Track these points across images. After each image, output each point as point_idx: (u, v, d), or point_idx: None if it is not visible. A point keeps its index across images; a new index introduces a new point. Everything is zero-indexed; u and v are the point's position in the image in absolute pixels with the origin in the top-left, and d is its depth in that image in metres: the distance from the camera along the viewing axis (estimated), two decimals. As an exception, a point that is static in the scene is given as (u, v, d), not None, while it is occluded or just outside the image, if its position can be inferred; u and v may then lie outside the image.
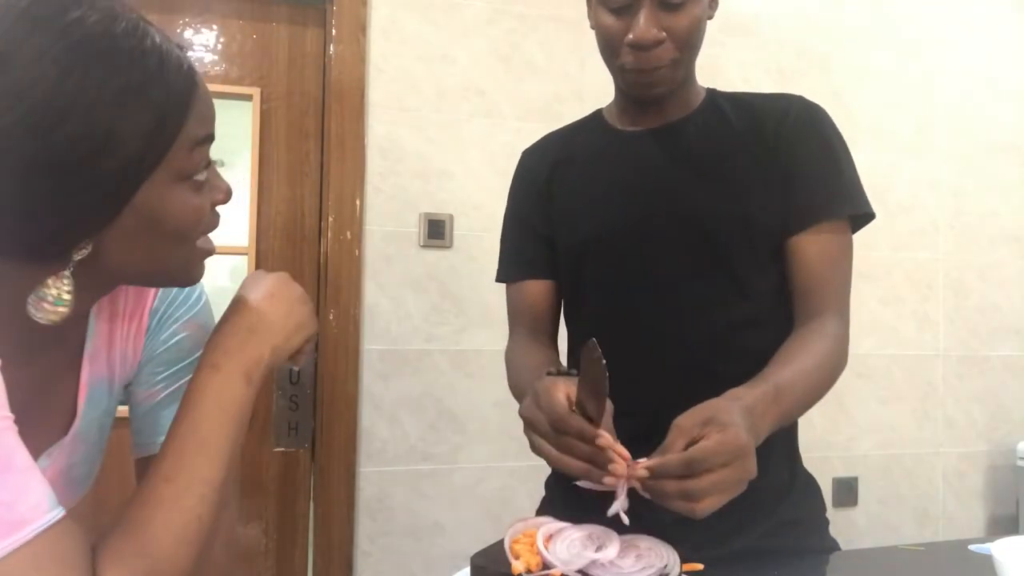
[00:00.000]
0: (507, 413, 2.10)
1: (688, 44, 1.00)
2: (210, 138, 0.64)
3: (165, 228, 0.62)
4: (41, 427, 0.70)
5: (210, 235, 0.70)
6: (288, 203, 2.08)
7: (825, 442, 2.40)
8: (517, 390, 1.08)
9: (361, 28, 2.06)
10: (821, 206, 1.02)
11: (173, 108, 0.59)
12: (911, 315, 2.52)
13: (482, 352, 2.12)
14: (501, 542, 0.78)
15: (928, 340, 2.54)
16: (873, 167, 2.40)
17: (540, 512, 1.12)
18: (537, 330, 1.16)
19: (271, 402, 2.02)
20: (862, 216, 1.05)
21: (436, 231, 2.10)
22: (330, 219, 2.03)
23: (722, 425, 0.74)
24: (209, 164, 0.65)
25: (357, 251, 2.04)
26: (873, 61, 2.52)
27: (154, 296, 0.78)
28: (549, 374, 0.88)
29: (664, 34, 0.97)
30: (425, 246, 2.10)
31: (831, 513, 1.12)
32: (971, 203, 2.60)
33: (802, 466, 1.11)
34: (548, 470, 1.20)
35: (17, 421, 0.66)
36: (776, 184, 1.03)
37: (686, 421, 0.76)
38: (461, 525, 2.09)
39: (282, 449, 2.03)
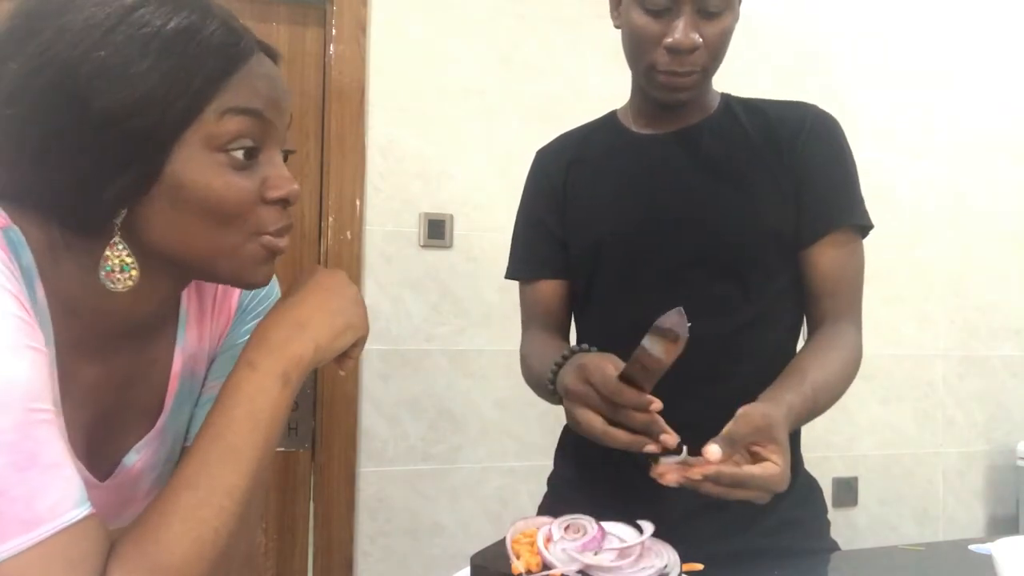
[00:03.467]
0: (507, 413, 2.10)
1: (719, 53, 1.02)
2: (253, 112, 0.61)
3: (196, 200, 0.60)
4: (130, 422, 0.71)
5: (277, 239, 0.66)
6: (288, 203, 2.08)
7: (825, 442, 2.40)
8: (535, 379, 1.09)
9: (361, 28, 2.06)
10: (837, 216, 1.05)
11: (205, 69, 0.59)
12: (911, 315, 2.52)
13: (482, 352, 2.12)
14: (501, 542, 0.78)
15: (928, 340, 2.53)
16: (873, 167, 2.40)
17: (540, 512, 1.12)
18: (550, 326, 1.18)
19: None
20: (868, 227, 1.08)
21: (436, 231, 2.10)
22: (330, 219, 2.03)
23: (778, 446, 0.82)
24: (258, 145, 0.62)
25: (357, 251, 2.04)
26: (873, 61, 2.51)
27: (240, 291, 0.78)
28: (572, 352, 0.93)
29: (701, 40, 0.98)
30: (425, 246, 2.10)
31: (831, 513, 1.12)
32: (971, 203, 2.60)
33: (803, 467, 1.12)
34: (548, 469, 1.21)
35: (106, 412, 0.67)
36: (789, 191, 1.05)
37: (743, 428, 0.81)
38: (461, 525, 2.09)
39: (282, 449, 2.03)
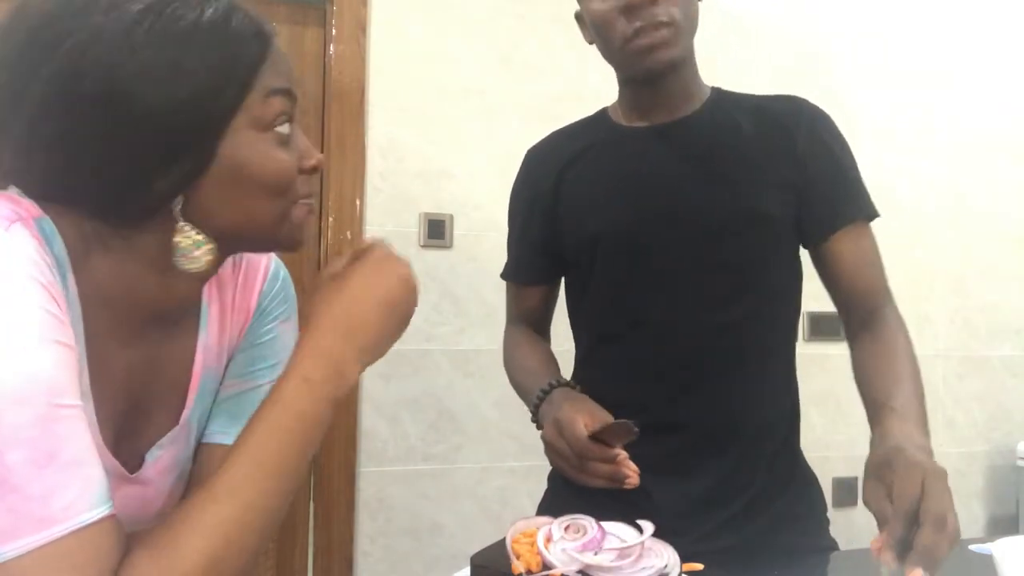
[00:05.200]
0: (507, 413, 2.10)
1: (682, 4, 0.99)
2: (287, 92, 0.65)
3: (253, 178, 0.63)
4: (154, 416, 0.71)
5: (310, 200, 0.70)
6: (288, 203, 2.08)
7: (825, 442, 2.40)
8: (517, 388, 1.17)
9: (361, 28, 2.07)
10: (847, 210, 1.05)
11: (245, 57, 0.62)
12: (911, 315, 2.50)
13: (482, 352, 2.12)
14: (501, 542, 0.78)
15: (928, 340, 2.53)
16: (873, 167, 2.38)
17: (540, 511, 1.12)
18: (532, 325, 1.25)
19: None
20: (875, 215, 1.08)
21: (436, 231, 2.10)
22: (330, 219, 2.03)
23: (897, 469, 0.74)
24: (291, 120, 0.66)
25: (357, 251, 2.04)
26: (873, 61, 2.52)
27: (259, 290, 0.79)
28: (551, 386, 1.03)
29: None
30: (425, 246, 2.10)
31: (831, 513, 1.12)
32: (971, 203, 2.60)
33: (804, 463, 1.12)
34: (548, 469, 1.21)
35: (133, 406, 0.68)
36: (785, 183, 1.04)
37: (870, 485, 0.76)
38: (461, 525, 2.09)
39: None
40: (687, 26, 1.01)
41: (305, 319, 0.68)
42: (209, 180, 0.62)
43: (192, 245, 0.63)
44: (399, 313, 0.70)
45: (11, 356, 0.51)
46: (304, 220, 0.70)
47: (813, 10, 2.46)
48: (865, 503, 0.76)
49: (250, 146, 0.63)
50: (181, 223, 0.62)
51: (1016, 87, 2.68)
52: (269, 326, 0.80)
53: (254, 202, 0.64)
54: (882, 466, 0.76)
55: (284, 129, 0.65)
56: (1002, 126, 2.65)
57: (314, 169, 0.69)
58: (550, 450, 0.95)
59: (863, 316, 1.04)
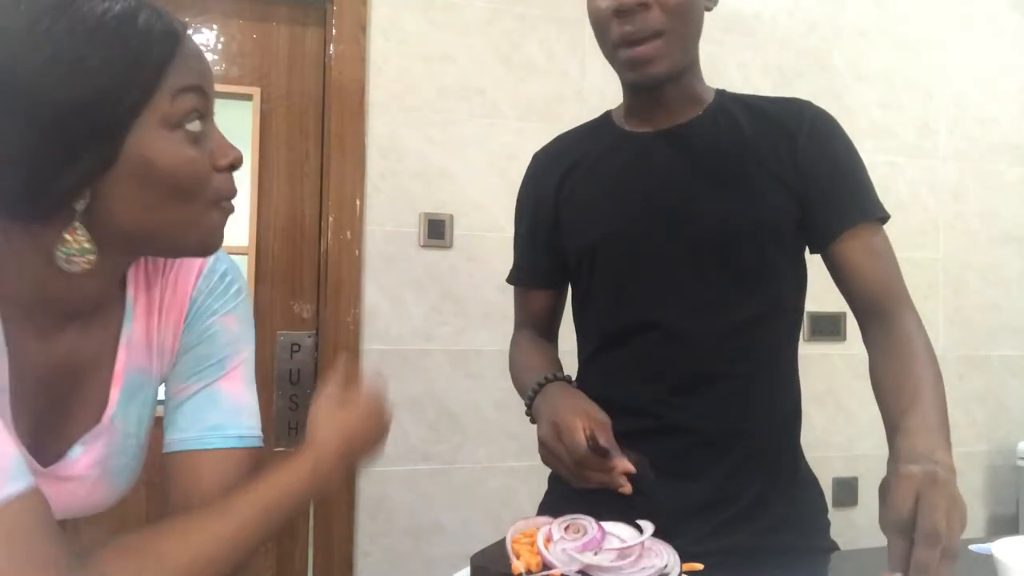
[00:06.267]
0: (507, 413, 2.10)
1: (679, 14, 0.97)
2: (197, 89, 0.64)
3: (160, 177, 0.62)
4: (74, 414, 0.71)
5: (230, 201, 0.69)
6: (288, 203, 2.08)
7: (825, 442, 2.40)
8: (517, 384, 1.16)
9: (361, 28, 2.06)
10: (854, 211, 1.03)
11: (152, 54, 0.60)
12: (911, 315, 2.52)
13: (482, 352, 2.12)
14: (501, 542, 0.78)
15: (928, 340, 2.53)
16: (873, 167, 2.38)
17: (540, 512, 1.12)
18: (539, 330, 1.24)
19: (271, 402, 2.03)
20: (887, 217, 1.07)
21: (436, 231, 2.10)
22: (330, 219, 2.03)
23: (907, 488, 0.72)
24: (204, 119, 0.65)
25: (357, 251, 2.04)
26: (873, 61, 2.51)
27: (193, 286, 0.78)
28: (546, 380, 1.04)
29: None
30: (425, 246, 2.10)
31: (831, 513, 1.12)
32: (971, 203, 2.60)
33: (805, 464, 1.12)
34: (548, 469, 1.21)
35: (53, 401, 0.67)
36: (789, 187, 1.03)
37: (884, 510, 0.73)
38: (461, 525, 2.09)
39: (282, 449, 2.02)
40: (683, 35, 1.00)
41: (308, 432, 0.79)
42: (114, 179, 0.60)
43: (77, 250, 0.61)
44: (379, 444, 0.85)
45: None
46: (219, 225, 0.69)
47: (813, 10, 2.46)
48: (882, 529, 0.74)
49: (157, 144, 0.61)
50: (77, 224, 0.61)
51: (1016, 87, 2.68)
52: (208, 322, 0.79)
53: (162, 202, 0.63)
54: (883, 488, 0.75)
55: (195, 127, 0.64)
56: (1002, 126, 2.65)
57: (231, 166, 0.68)
58: (546, 451, 0.95)
59: (877, 320, 1.01)
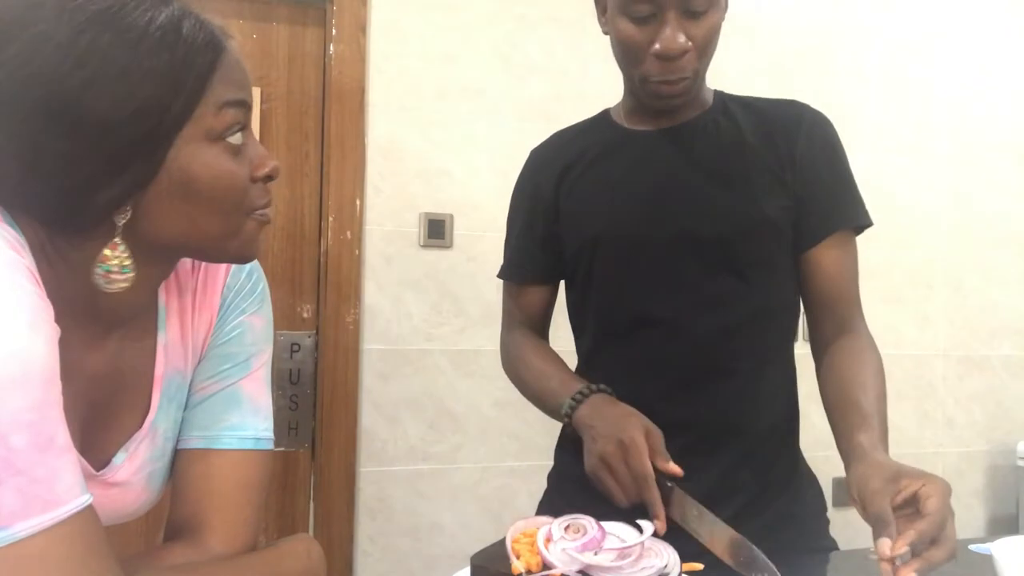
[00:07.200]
0: (507, 413, 2.10)
1: (708, 52, 1.01)
2: (241, 103, 0.64)
3: (201, 190, 0.62)
4: (118, 420, 0.71)
5: (266, 211, 0.69)
6: (288, 203, 2.08)
7: (825, 442, 2.38)
8: (533, 395, 1.15)
9: (361, 28, 2.07)
10: (841, 217, 1.06)
11: (196, 66, 0.60)
12: (911, 315, 2.52)
13: (482, 352, 2.12)
14: (501, 542, 0.78)
15: (928, 340, 2.53)
16: (873, 167, 2.40)
17: (540, 511, 1.12)
18: (534, 328, 1.22)
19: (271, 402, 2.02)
20: (866, 226, 1.09)
21: (436, 231, 2.10)
22: (330, 219, 2.03)
23: (911, 479, 0.81)
24: (244, 130, 0.65)
25: (357, 251, 2.04)
26: (873, 61, 2.51)
27: (223, 286, 0.78)
28: (590, 390, 1.02)
29: (690, 43, 0.97)
30: (425, 246, 2.10)
31: (831, 513, 1.13)
32: (971, 203, 2.60)
33: (804, 463, 1.13)
34: (548, 468, 1.21)
35: (98, 406, 0.68)
36: (786, 187, 1.05)
37: (877, 505, 0.80)
38: (461, 525, 2.09)
39: (282, 449, 2.03)
40: (706, 67, 1.03)
41: None
42: (156, 192, 0.60)
43: (117, 267, 0.61)
44: None
45: (9, 340, 0.52)
46: (255, 234, 0.69)
47: (813, 10, 2.46)
48: (869, 512, 0.79)
49: (199, 157, 0.61)
50: (117, 239, 0.61)
51: (1016, 87, 2.68)
52: (236, 321, 0.78)
53: (203, 215, 0.63)
54: (900, 476, 0.82)
55: (236, 139, 0.63)
56: (1002, 126, 2.65)
57: (268, 177, 0.68)
58: (606, 469, 0.93)
59: (835, 326, 1.05)
